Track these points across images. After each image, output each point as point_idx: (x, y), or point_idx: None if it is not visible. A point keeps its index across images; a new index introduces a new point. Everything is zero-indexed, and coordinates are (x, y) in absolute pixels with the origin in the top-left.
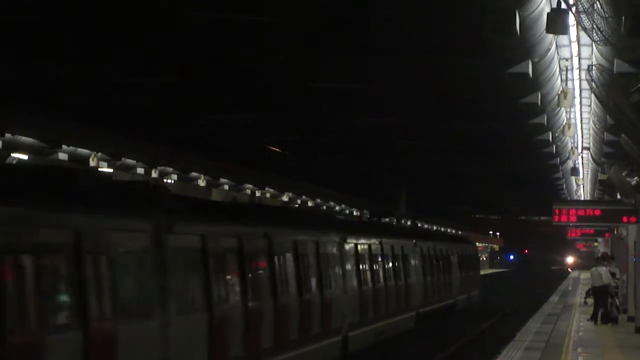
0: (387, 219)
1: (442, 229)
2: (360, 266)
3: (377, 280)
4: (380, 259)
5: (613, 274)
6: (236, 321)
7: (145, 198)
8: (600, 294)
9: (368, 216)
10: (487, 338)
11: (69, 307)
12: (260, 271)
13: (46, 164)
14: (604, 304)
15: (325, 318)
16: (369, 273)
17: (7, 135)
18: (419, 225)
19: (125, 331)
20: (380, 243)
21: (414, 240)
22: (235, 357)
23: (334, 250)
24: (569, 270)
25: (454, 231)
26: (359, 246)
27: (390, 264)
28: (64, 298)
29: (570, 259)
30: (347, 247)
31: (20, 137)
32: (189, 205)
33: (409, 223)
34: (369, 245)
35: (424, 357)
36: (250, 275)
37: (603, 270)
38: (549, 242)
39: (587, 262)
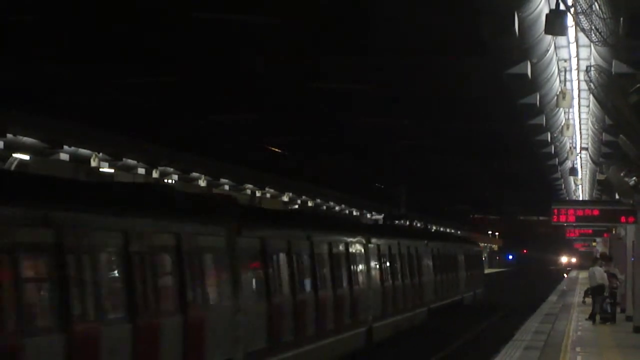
0: (400, 221)
1: (447, 230)
2: (382, 265)
3: (396, 278)
4: (398, 259)
5: (614, 275)
6: (287, 310)
7: (220, 209)
8: (596, 294)
9: (382, 219)
10: (487, 337)
11: (178, 295)
12: (304, 268)
13: (140, 182)
14: (599, 303)
15: (355, 310)
16: (389, 271)
17: (9, 135)
18: (428, 226)
19: (212, 314)
20: (398, 244)
21: (426, 242)
22: (286, 340)
23: (360, 250)
24: (566, 271)
25: (459, 232)
26: (380, 247)
27: (407, 263)
28: (174, 287)
29: (564, 259)
30: (370, 247)
31: (21, 137)
32: (251, 214)
33: (419, 225)
34: (389, 246)
35: (434, 349)
36: (296, 271)
37: (598, 270)
38: (544, 241)
39: (585, 262)
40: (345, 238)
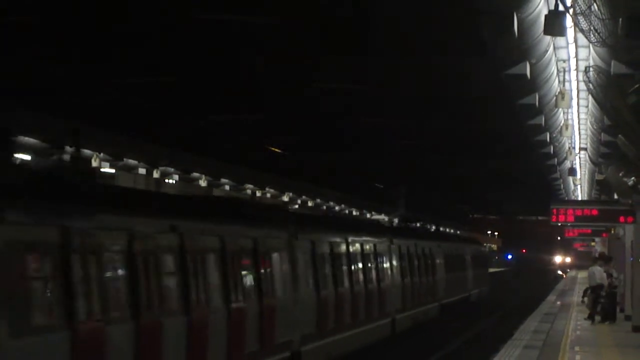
0: (414, 224)
1: (455, 231)
2: (403, 264)
3: (414, 276)
4: (416, 258)
5: (610, 275)
6: (330, 301)
7: (281, 216)
8: (598, 293)
9: (399, 221)
10: (487, 336)
11: (254, 288)
12: (344, 267)
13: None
14: (598, 302)
15: (382, 304)
16: (408, 269)
17: None
18: (439, 228)
19: (279, 304)
20: (415, 245)
21: (438, 243)
22: (330, 328)
23: (386, 250)
24: (560, 272)
25: (465, 233)
26: (401, 247)
27: (423, 263)
28: (250, 281)
29: (558, 258)
30: (393, 248)
31: (22, 137)
32: (304, 220)
33: (430, 227)
34: (408, 247)
35: (443, 340)
36: (337, 269)
37: (598, 269)
38: (538, 241)
39: (582, 261)
40: (374, 239)
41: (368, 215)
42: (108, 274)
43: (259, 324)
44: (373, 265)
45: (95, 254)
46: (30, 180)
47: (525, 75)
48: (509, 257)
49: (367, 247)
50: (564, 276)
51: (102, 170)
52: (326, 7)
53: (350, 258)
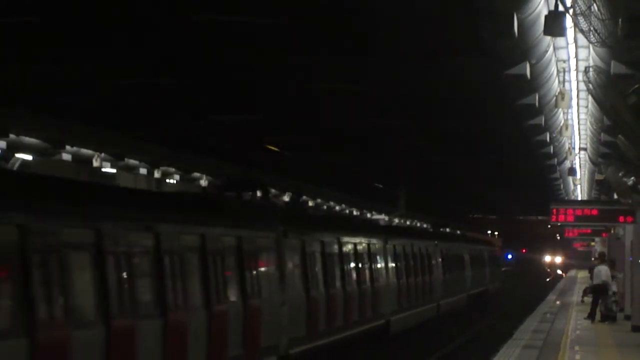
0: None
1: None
2: (445, 261)
3: (449, 270)
4: (450, 258)
5: (613, 277)
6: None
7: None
8: (600, 292)
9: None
10: (487, 336)
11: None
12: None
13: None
14: (605, 301)
15: (431, 292)
16: (448, 264)
17: (11, 135)
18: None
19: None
20: (450, 247)
21: (465, 244)
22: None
23: (433, 251)
24: (560, 272)
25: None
26: (442, 249)
27: (456, 260)
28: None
29: (547, 258)
30: (438, 249)
31: (24, 137)
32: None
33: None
34: (447, 249)
35: (469, 326)
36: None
37: (604, 268)
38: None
39: (578, 261)
40: (419, 241)
41: (368, 215)
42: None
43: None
44: (416, 263)
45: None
46: None
47: (525, 75)
48: (509, 257)
49: (412, 248)
50: (564, 275)
51: (103, 170)
52: (326, 7)
53: (346, 257)
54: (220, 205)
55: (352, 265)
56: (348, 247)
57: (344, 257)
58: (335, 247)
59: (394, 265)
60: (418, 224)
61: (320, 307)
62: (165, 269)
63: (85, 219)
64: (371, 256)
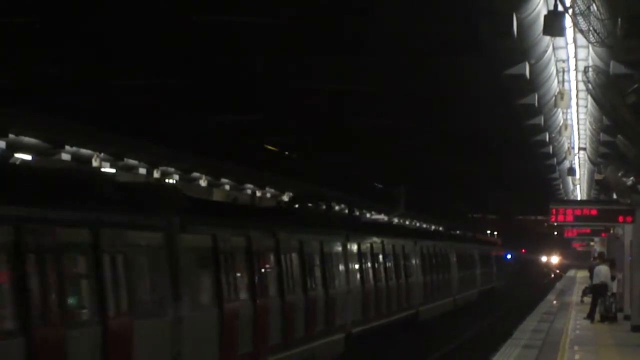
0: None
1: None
2: (456, 260)
3: (463, 269)
4: (465, 258)
5: (614, 277)
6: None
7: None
8: (600, 292)
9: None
10: (486, 336)
11: (347, 277)
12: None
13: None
14: (605, 301)
15: (447, 287)
16: (462, 264)
17: (11, 135)
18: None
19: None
20: (465, 249)
21: (478, 247)
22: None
23: (450, 252)
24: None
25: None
26: (455, 248)
27: (469, 261)
28: (344, 273)
29: (546, 258)
30: (449, 249)
31: (23, 137)
32: (357, 226)
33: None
34: (457, 249)
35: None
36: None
37: (604, 268)
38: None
39: (580, 261)
40: (439, 242)
41: (368, 215)
42: (238, 271)
43: (325, 310)
44: (437, 262)
45: (233, 254)
46: None
47: (525, 75)
48: (508, 257)
49: (446, 250)
50: (561, 274)
51: (102, 170)
52: (325, 7)
53: (389, 257)
54: (308, 217)
55: (393, 263)
56: (392, 248)
57: (386, 257)
58: (383, 248)
59: (421, 264)
60: (433, 227)
61: (372, 298)
62: (284, 263)
63: (242, 229)
64: (405, 256)
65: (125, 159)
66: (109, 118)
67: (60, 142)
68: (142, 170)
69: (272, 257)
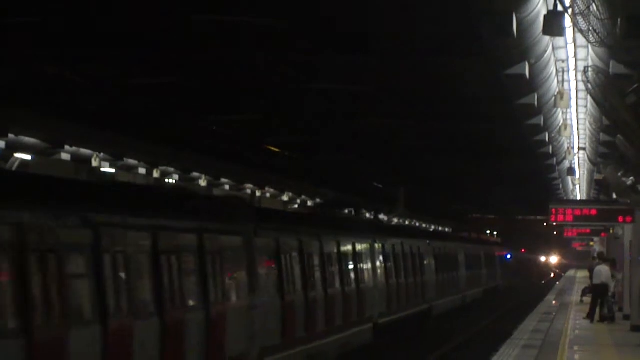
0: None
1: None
2: (465, 260)
3: (471, 268)
4: (470, 257)
5: (613, 276)
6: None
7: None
8: (600, 292)
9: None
10: (486, 336)
11: (373, 274)
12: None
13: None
14: (606, 302)
15: (457, 285)
16: (470, 264)
17: (11, 135)
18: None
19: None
20: (475, 250)
21: (486, 248)
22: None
23: (465, 254)
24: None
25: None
26: (464, 249)
27: (474, 260)
28: (371, 271)
29: (546, 258)
30: (459, 250)
31: (23, 137)
32: (384, 229)
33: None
34: (465, 250)
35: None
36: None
37: (605, 269)
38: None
39: (580, 262)
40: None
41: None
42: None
43: (357, 302)
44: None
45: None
46: None
47: (524, 75)
48: (508, 257)
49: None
50: (561, 274)
51: (102, 170)
52: (326, 7)
53: (407, 258)
54: (344, 221)
55: (411, 262)
56: (410, 249)
57: (405, 257)
58: (403, 249)
59: (434, 263)
60: (440, 228)
61: (394, 293)
62: (326, 262)
63: (296, 234)
64: (421, 256)
65: (125, 159)
66: (109, 118)
67: (60, 142)
68: (142, 170)
69: (317, 257)
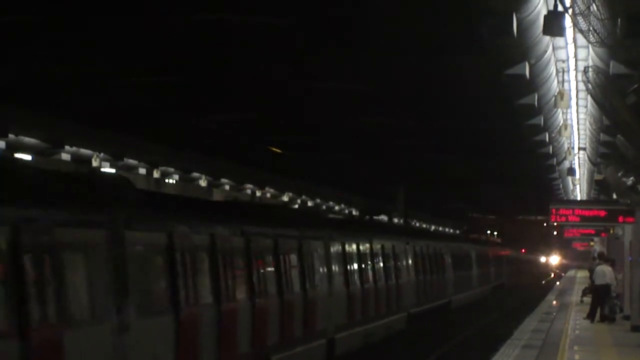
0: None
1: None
2: (475, 259)
3: (480, 267)
4: (480, 256)
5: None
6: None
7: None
8: (602, 293)
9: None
10: (486, 336)
11: (408, 270)
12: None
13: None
14: (608, 303)
15: (469, 282)
16: (480, 263)
17: (11, 135)
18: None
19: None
20: (480, 249)
21: (493, 249)
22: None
23: (480, 255)
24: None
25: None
26: (475, 249)
27: (484, 259)
28: (406, 268)
29: (545, 258)
30: (471, 250)
31: (23, 137)
32: (413, 233)
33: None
34: (475, 250)
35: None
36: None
37: (608, 269)
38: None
39: (580, 262)
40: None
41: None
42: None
43: (397, 294)
44: (483, 262)
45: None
46: None
47: (525, 75)
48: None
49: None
50: (561, 274)
51: (102, 169)
52: (326, 7)
53: (428, 257)
54: (381, 226)
55: (435, 261)
56: (434, 249)
57: (430, 256)
58: (428, 249)
59: (452, 262)
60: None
61: (422, 287)
62: (374, 260)
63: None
64: (441, 255)
65: (125, 159)
66: (109, 118)
67: (60, 142)
68: (142, 171)
69: (364, 256)
